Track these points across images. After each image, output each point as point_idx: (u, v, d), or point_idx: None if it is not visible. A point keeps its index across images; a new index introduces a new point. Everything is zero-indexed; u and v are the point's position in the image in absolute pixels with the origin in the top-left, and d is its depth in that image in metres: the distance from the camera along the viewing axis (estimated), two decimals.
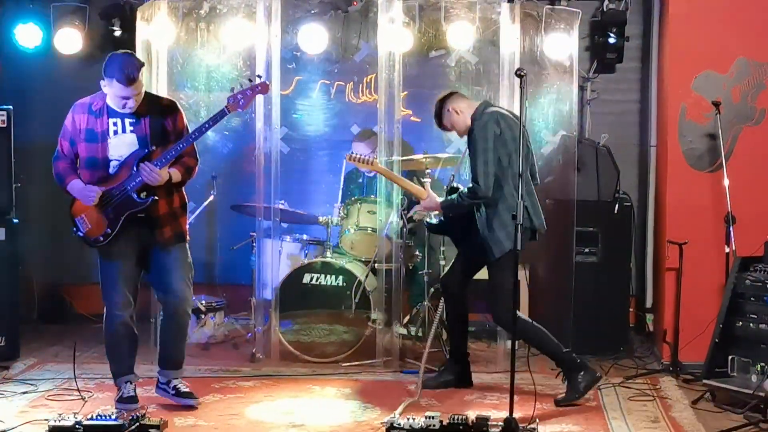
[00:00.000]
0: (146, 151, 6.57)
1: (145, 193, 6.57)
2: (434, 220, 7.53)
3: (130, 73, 6.42)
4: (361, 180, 9.12)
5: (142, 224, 6.66)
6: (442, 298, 7.45)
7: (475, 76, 9.36)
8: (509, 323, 6.79)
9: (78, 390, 7.02)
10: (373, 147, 8.59)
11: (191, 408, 6.81)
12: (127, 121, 6.59)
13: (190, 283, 6.89)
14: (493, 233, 6.94)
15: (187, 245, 6.89)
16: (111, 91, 6.51)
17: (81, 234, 6.68)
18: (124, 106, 6.53)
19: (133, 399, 6.81)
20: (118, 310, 6.75)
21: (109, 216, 6.58)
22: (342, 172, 9.11)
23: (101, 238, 6.63)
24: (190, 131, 6.73)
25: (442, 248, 8.55)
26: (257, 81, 6.80)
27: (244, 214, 8.77)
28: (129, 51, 6.82)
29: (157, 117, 6.65)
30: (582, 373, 7.04)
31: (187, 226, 6.93)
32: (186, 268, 6.84)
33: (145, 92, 6.74)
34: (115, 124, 6.58)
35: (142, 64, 6.59)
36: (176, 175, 6.67)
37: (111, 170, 6.58)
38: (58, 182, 6.69)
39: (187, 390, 6.93)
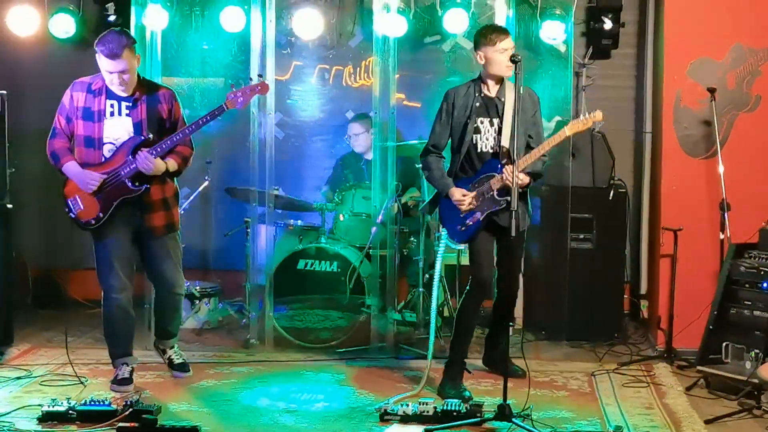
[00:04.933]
0: (142, 138, 6.64)
1: (138, 182, 6.65)
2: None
3: (113, 47, 6.49)
4: (362, 164, 9.09)
5: (133, 208, 6.75)
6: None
7: (469, 61, 9.29)
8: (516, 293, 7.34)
9: (76, 375, 7.03)
10: (367, 127, 8.70)
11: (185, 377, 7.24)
12: (124, 104, 6.68)
13: (180, 267, 7.12)
14: (528, 203, 6.95)
15: (178, 234, 7.07)
16: (101, 67, 6.60)
17: (73, 215, 6.78)
18: (112, 83, 6.60)
19: (127, 381, 6.88)
20: (114, 293, 6.84)
21: (101, 200, 6.67)
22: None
23: (93, 222, 6.73)
24: (186, 121, 6.84)
25: (437, 233, 8.54)
26: (257, 80, 6.99)
27: (239, 198, 8.76)
28: (123, 29, 6.89)
29: (154, 104, 6.73)
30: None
31: (179, 216, 7.09)
32: (176, 255, 7.06)
33: (144, 79, 6.86)
34: (112, 105, 6.68)
35: (132, 42, 6.65)
36: (172, 164, 6.78)
37: (106, 153, 6.66)
38: (53, 161, 6.75)
39: (180, 361, 7.33)
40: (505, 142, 6.69)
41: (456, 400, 6.23)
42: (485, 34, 6.78)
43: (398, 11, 8.49)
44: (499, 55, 6.69)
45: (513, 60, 6.39)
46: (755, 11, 8.11)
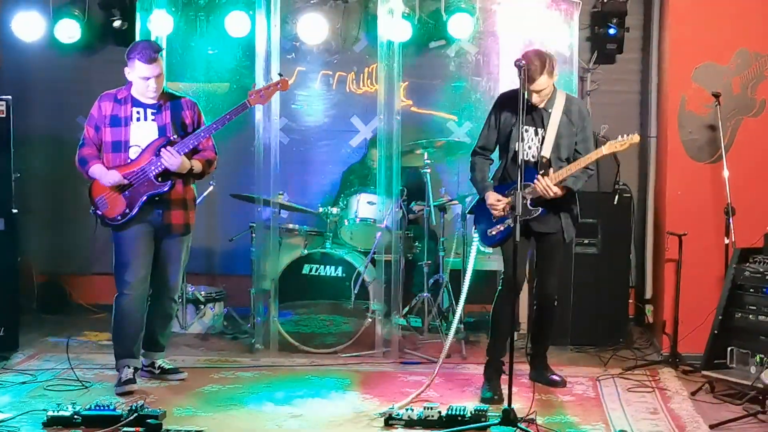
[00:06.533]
0: (168, 138, 6.88)
1: (162, 178, 6.84)
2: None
3: (150, 52, 6.79)
4: (366, 173, 9.09)
5: (155, 206, 6.92)
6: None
7: (474, 66, 9.35)
8: (554, 302, 7.17)
9: (78, 380, 7.04)
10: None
11: (181, 380, 7.25)
12: (149, 111, 6.94)
13: (182, 273, 7.32)
14: (575, 212, 6.94)
15: (190, 238, 7.21)
16: (134, 74, 6.85)
17: (99, 213, 6.93)
18: (147, 89, 6.84)
19: (131, 381, 6.92)
20: (129, 289, 6.95)
21: (127, 197, 6.86)
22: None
23: (119, 218, 6.90)
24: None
25: (441, 239, 8.54)
26: (277, 78, 7.23)
27: (244, 200, 8.75)
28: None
29: (177, 111, 7.00)
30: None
31: (194, 221, 7.22)
32: (185, 260, 7.20)
33: (166, 90, 7.07)
34: (138, 112, 6.93)
35: (161, 48, 6.97)
36: (197, 165, 7.01)
37: (132, 155, 6.89)
38: (80, 166, 6.95)
39: (171, 366, 7.37)
40: (546, 152, 6.70)
41: (461, 405, 6.22)
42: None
43: (403, 16, 8.50)
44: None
45: (516, 65, 6.36)
46: (760, 16, 8.11)
